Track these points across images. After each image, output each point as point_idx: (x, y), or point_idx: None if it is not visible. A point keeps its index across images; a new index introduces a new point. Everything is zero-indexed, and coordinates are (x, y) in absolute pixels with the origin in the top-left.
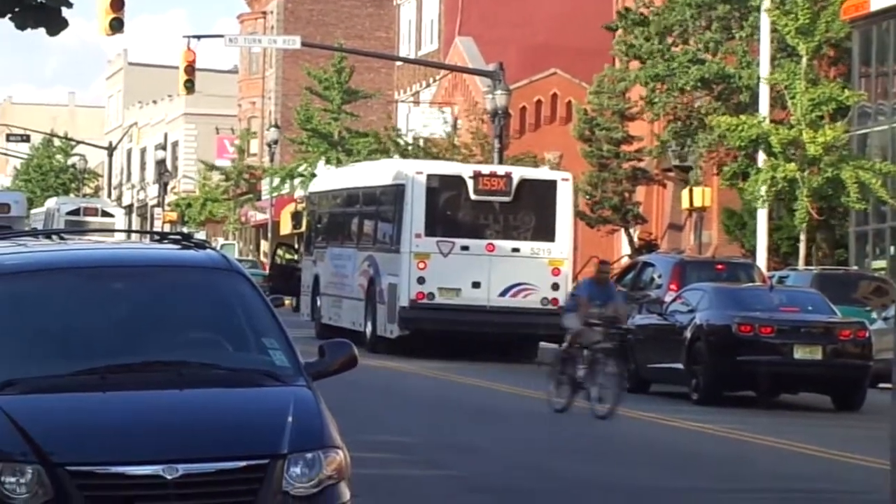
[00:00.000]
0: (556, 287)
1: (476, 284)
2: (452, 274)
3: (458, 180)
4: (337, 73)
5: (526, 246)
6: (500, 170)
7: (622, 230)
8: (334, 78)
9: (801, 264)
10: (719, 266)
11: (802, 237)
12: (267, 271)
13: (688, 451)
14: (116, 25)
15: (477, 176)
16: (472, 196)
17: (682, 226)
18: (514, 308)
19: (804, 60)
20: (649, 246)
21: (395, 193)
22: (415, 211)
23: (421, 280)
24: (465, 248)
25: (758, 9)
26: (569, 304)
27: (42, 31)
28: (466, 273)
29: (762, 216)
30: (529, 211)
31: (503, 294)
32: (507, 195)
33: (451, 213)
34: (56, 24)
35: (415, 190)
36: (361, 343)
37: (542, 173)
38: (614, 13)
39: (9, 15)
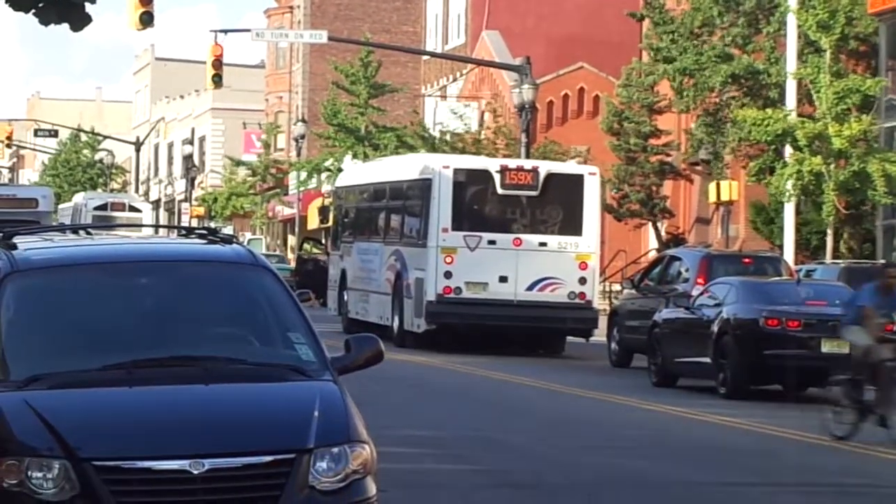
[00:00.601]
0: (583, 281)
1: (503, 279)
2: (479, 268)
3: (485, 174)
4: (363, 67)
5: (553, 240)
6: (527, 164)
7: (649, 224)
8: (361, 72)
9: (828, 258)
10: (746, 260)
11: (829, 231)
12: (293, 265)
13: (715, 445)
14: (146, 19)
15: (504, 170)
16: (499, 190)
17: (709, 220)
18: (542, 302)
19: (827, 54)
20: (676, 240)
21: (422, 188)
22: (442, 205)
23: (448, 274)
24: (492, 242)
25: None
26: (850, 316)
27: (66, 26)
28: (493, 267)
29: (789, 211)
30: (556, 205)
31: (530, 288)
32: (534, 189)
33: (478, 207)
34: (79, 20)
35: (442, 184)
36: (388, 337)
37: (570, 167)
38: (641, 3)
39: (32, 10)
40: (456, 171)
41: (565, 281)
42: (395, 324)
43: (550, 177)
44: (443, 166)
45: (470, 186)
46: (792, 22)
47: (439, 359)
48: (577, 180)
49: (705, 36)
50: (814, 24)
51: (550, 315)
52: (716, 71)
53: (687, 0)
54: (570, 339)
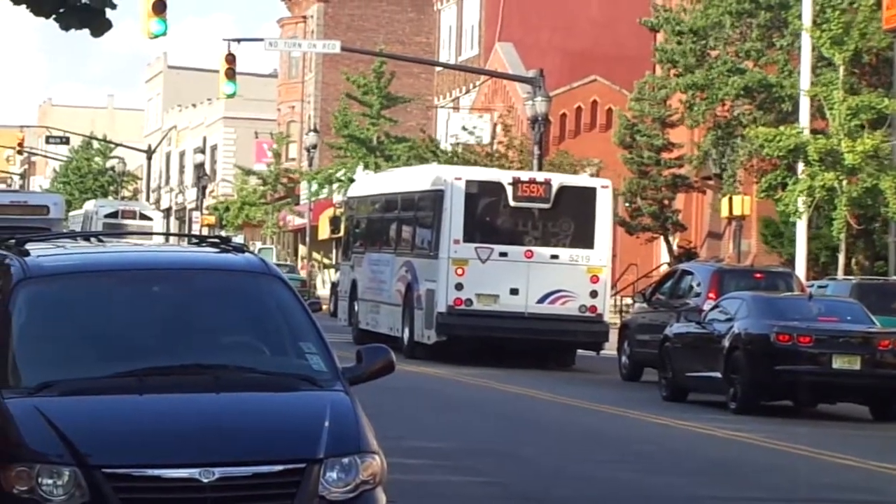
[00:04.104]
0: (594, 294)
1: (514, 291)
2: (490, 280)
3: (497, 186)
4: (377, 77)
5: (565, 253)
6: (540, 176)
7: (661, 238)
8: (374, 83)
9: (839, 274)
10: (758, 275)
11: (842, 247)
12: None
13: (726, 461)
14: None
15: (516, 182)
16: (511, 202)
17: (721, 234)
18: (552, 315)
19: (841, 70)
20: (688, 254)
21: (434, 199)
22: (453, 217)
23: (459, 286)
24: (503, 254)
25: (798, 16)
26: None
27: (87, 32)
28: (504, 279)
29: (801, 226)
30: (568, 218)
31: (541, 301)
32: (546, 202)
33: (490, 219)
34: (100, 25)
35: (454, 196)
36: (398, 349)
37: (582, 180)
38: (653, 13)
39: (53, 16)
40: (468, 182)
41: (576, 294)
42: (406, 335)
43: (563, 189)
44: (455, 178)
45: (482, 198)
46: (806, 39)
47: (449, 370)
48: (589, 193)
49: (717, 47)
50: (827, 41)
51: (561, 328)
52: (728, 83)
53: (698, 1)
54: (580, 352)
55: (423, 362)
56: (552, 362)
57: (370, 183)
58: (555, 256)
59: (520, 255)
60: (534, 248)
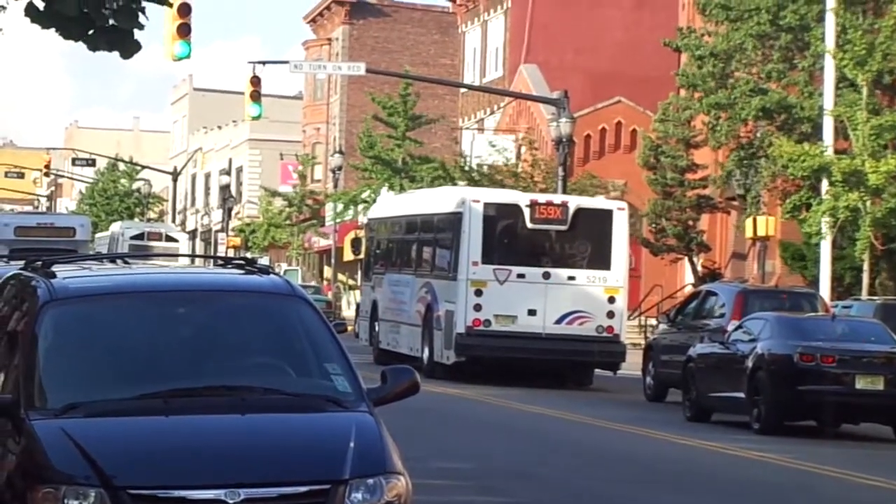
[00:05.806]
0: (611, 315)
1: (532, 312)
2: (509, 301)
3: (515, 209)
4: (403, 100)
5: (582, 274)
6: (557, 199)
7: (686, 258)
8: (400, 106)
9: (863, 294)
10: (782, 295)
11: (865, 267)
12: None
13: (749, 481)
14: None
15: (534, 204)
16: (529, 224)
17: (745, 255)
18: (570, 336)
19: (864, 91)
20: (713, 274)
21: (453, 221)
22: (472, 239)
23: (477, 307)
24: (521, 275)
25: (820, 39)
26: None
27: (116, 55)
28: (522, 301)
29: (825, 246)
30: (585, 239)
31: (559, 322)
32: (563, 224)
33: (508, 241)
34: (129, 47)
35: (472, 218)
36: (418, 368)
37: (598, 202)
38: (678, 36)
39: (82, 38)
40: (486, 205)
41: (594, 314)
42: (426, 355)
43: (579, 211)
44: (473, 200)
45: (500, 220)
46: (829, 60)
47: (470, 390)
48: (605, 215)
49: (738, 70)
50: (850, 63)
51: (578, 348)
52: (748, 104)
53: (721, 23)
54: (597, 371)
55: (443, 382)
56: (570, 382)
57: (390, 205)
58: (572, 278)
59: (537, 276)
60: (551, 270)
